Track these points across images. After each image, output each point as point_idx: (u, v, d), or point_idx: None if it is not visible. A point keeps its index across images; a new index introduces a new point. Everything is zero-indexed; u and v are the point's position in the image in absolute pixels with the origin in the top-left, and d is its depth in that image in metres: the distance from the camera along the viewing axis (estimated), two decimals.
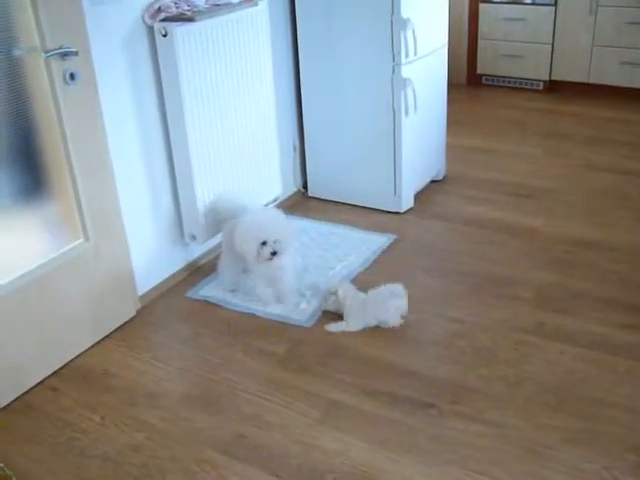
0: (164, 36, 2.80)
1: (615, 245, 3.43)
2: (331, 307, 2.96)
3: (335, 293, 2.91)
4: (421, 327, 2.90)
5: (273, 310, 3.04)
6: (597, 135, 4.85)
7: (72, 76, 2.53)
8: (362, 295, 2.93)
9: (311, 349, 2.79)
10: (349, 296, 2.90)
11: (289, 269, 3.04)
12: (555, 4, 5.45)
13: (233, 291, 3.17)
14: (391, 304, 2.86)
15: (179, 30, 2.79)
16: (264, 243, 2.85)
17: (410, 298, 3.06)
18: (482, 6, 5.77)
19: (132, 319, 3.05)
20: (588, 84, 5.56)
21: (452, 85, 5.79)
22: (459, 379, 2.59)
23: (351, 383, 2.59)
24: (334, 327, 2.89)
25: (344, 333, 2.87)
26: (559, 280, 3.17)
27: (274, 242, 2.86)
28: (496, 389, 2.54)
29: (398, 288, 2.91)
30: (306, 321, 2.96)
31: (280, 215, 2.96)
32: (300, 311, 3.02)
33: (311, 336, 2.87)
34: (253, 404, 2.53)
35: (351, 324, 2.87)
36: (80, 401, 2.59)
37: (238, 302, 3.12)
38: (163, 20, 2.83)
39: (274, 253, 2.87)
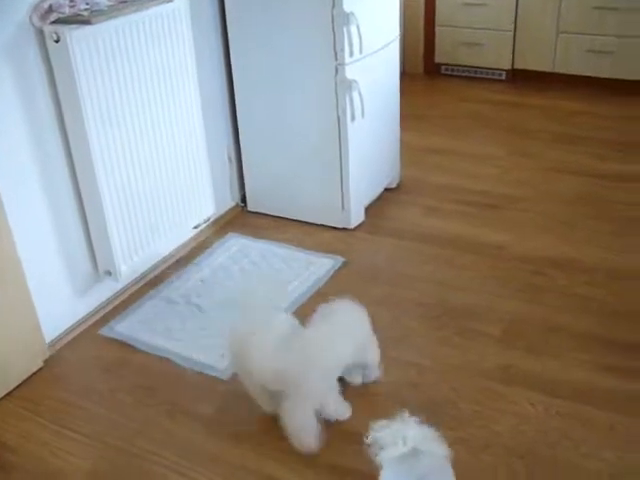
0: (56, 42, 2.35)
1: (591, 264, 3.05)
2: None
3: None
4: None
5: (186, 354, 2.64)
6: (565, 131, 4.46)
7: None
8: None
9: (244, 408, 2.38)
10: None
11: None
12: None
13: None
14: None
15: (74, 34, 2.35)
16: None
17: None
18: None
19: (38, 372, 2.62)
20: (553, 73, 5.18)
21: (408, 75, 5.46)
22: None
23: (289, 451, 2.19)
24: None
25: None
26: (530, 311, 2.79)
27: None
28: (458, 456, 2.13)
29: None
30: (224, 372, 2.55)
31: None
32: (219, 359, 2.60)
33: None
34: None
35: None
36: None
37: (154, 342, 2.73)
38: (55, 22, 2.37)
39: None
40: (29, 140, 2.48)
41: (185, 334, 2.75)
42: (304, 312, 2.75)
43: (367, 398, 2.41)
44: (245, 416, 2.35)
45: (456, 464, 2.09)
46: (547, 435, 2.22)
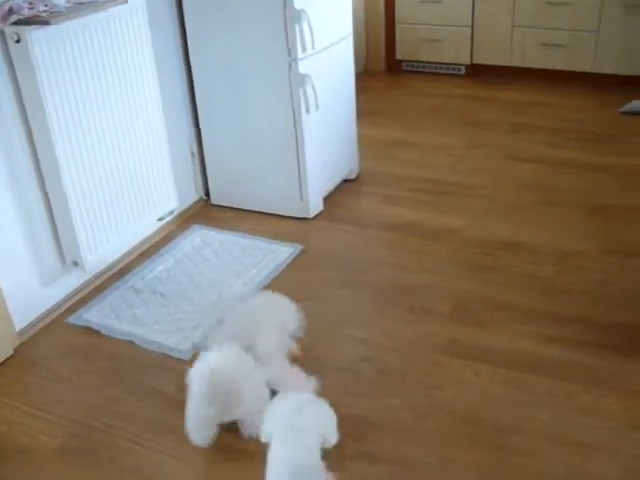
0: (17, 42, 2.47)
1: (540, 247, 3.20)
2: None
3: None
4: (325, 351, 2.63)
5: (150, 337, 2.76)
6: (521, 122, 4.62)
7: None
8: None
9: None
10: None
11: None
12: None
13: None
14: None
15: (34, 34, 2.47)
16: None
17: (313, 316, 2.81)
18: None
19: (8, 359, 2.72)
20: (510, 67, 5.34)
21: (370, 73, 5.61)
22: (365, 413, 2.35)
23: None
24: None
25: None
26: (478, 289, 2.93)
27: None
28: (405, 422, 2.30)
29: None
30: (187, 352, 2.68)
31: None
32: (182, 341, 2.73)
33: None
34: (134, 454, 2.24)
35: None
36: None
37: (120, 327, 2.84)
38: (15, 23, 2.49)
39: None
40: None
41: (150, 319, 2.87)
42: None
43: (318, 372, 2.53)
44: None
45: (404, 431, 2.26)
46: (489, 400, 2.36)
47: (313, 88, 3.25)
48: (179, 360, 2.64)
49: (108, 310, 2.95)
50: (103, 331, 2.83)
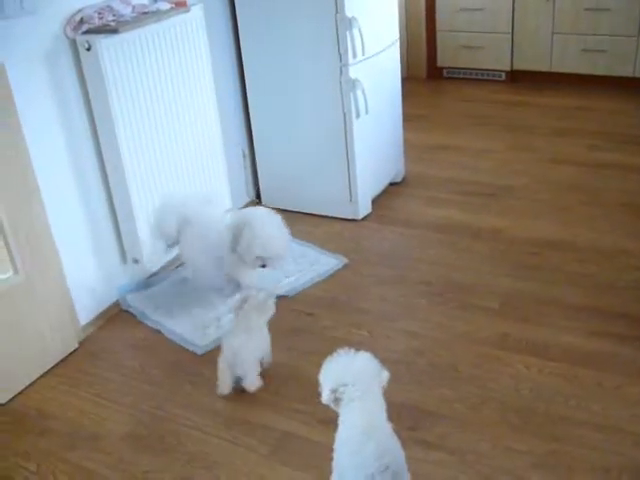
0: (88, 50, 2.61)
1: (583, 245, 3.28)
2: None
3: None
4: (378, 344, 2.72)
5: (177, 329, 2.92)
6: (562, 126, 4.69)
7: None
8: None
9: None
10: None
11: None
12: None
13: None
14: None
15: (104, 42, 2.61)
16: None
17: (368, 312, 2.94)
18: None
19: (74, 352, 2.86)
20: (550, 73, 5.41)
21: (412, 79, 5.70)
22: (418, 402, 2.44)
23: (304, 411, 2.43)
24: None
25: (291, 356, 2.69)
26: (525, 286, 3.01)
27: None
28: (458, 411, 2.39)
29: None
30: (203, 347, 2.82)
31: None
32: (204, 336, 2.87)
33: None
34: (200, 442, 2.35)
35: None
36: (14, 448, 2.41)
37: (154, 316, 3.00)
38: (86, 32, 2.63)
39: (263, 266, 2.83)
40: (64, 138, 2.74)
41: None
42: (312, 294, 3.05)
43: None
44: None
45: (457, 419, 2.34)
46: (540, 392, 2.43)
47: (363, 93, 3.36)
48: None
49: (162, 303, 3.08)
50: (159, 328, 2.95)
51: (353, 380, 1.91)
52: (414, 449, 2.21)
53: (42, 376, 2.73)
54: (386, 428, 1.92)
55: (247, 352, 2.47)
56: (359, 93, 3.36)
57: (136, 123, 2.82)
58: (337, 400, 1.91)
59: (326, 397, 1.93)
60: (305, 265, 3.27)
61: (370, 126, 3.55)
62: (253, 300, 2.51)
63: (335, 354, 1.97)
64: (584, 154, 4.23)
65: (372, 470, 1.78)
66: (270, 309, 2.54)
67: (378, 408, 1.95)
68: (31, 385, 2.69)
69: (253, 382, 2.52)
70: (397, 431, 1.97)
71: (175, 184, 3.07)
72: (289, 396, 2.51)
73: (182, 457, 2.30)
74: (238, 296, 2.64)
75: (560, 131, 4.60)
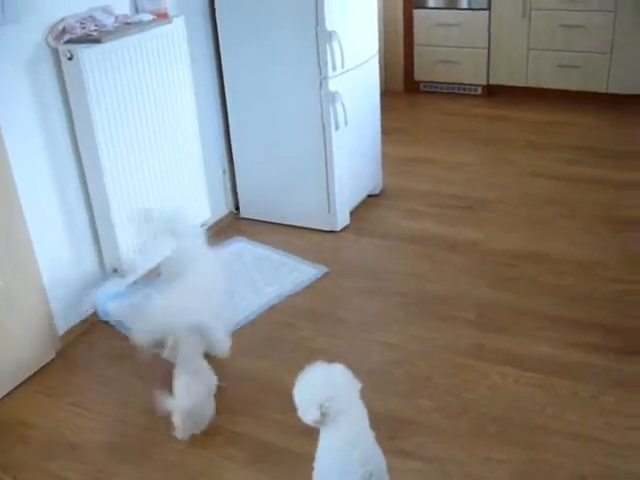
0: (69, 59, 2.61)
1: (559, 257, 3.32)
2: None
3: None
4: (356, 355, 2.74)
5: None
6: (538, 140, 4.76)
7: None
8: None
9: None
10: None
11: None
12: (489, 8, 5.36)
13: None
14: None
15: (85, 52, 2.61)
16: None
17: (345, 323, 2.96)
18: (416, 12, 5.66)
19: (52, 362, 2.85)
20: (527, 88, 5.48)
21: (389, 93, 5.75)
22: (397, 412, 2.46)
23: (283, 422, 2.43)
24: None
25: (270, 365, 2.70)
26: (501, 297, 3.05)
27: None
28: (436, 421, 2.41)
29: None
30: None
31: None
32: None
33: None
34: (180, 451, 2.35)
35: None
36: None
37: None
38: (68, 42, 2.64)
39: None
40: (44, 146, 2.74)
41: None
42: (290, 304, 3.08)
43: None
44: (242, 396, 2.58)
45: (435, 429, 2.36)
46: (516, 402, 2.46)
47: (342, 105, 3.39)
48: None
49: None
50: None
51: (338, 393, 1.89)
52: (393, 459, 2.20)
53: (20, 385, 2.72)
54: (369, 436, 1.93)
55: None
56: (338, 106, 3.39)
57: (117, 132, 2.82)
58: (324, 415, 1.87)
59: (312, 415, 1.87)
60: (285, 274, 3.29)
61: (349, 138, 3.58)
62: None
63: (307, 370, 1.94)
64: (561, 168, 4.30)
65: (358, 476, 1.79)
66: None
67: (361, 416, 1.96)
68: (9, 394, 2.68)
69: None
70: (377, 440, 2.00)
71: (154, 194, 3.07)
72: (268, 406, 2.52)
73: (162, 466, 2.30)
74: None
75: (536, 145, 4.67)
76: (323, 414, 1.87)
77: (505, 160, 4.47)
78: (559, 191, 4.00)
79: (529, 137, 4.82)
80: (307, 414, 1.88)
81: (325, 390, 1.89)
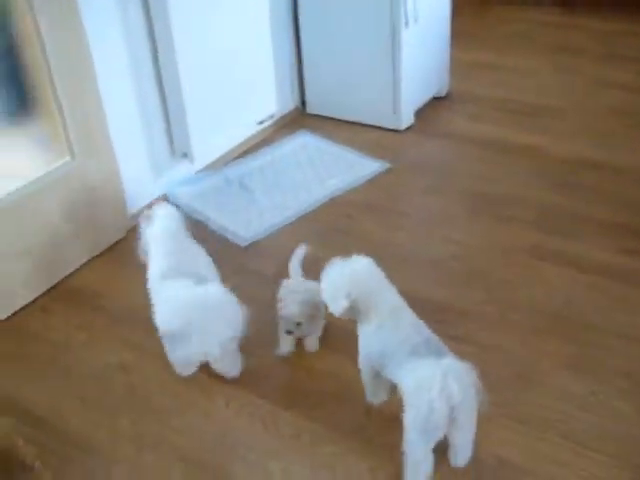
0: None
1: (622, 166, 3.30)
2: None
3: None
4: (416, 247, 2.83)
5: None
6: (610, 51, 4.62)
7: None
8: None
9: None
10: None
11: None
12: None
13: None
14: None
15: None
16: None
17: (407, 217, 3.02)
18: None
19: (123, 239, 2.98)
20: None
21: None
22: (449, 300, 2.54)
23: None
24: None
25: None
26: (562, 202, 3.07)
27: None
28: (488, 313, 2.49)
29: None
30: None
31: None
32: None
33: None
34: None
35: None
36: (69, 321, 2.56)
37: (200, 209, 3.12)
38: None
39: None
40: (121, 31, 2.81)
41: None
42: (352, 199, 3.14)
43: (412, 265, 2.73)
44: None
45: (486, 320, 2.44)
46: (570, 301, 2.52)
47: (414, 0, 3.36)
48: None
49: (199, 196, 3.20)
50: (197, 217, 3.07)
51: (363, 282, 1.94)
52: (444, 341, 2.31)
53: (93, 259, 2.88)
54: (410, 311, 2.00)
55: None
56: (409, 1, 3.35)
57: (191, 23, 2.88)
58: (353, 308, 1.92)
59: (340, 305, 1.91)
60: (346, 168, 3.36)
61: (418, 37, 3.55)
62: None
63: (331, 264, 1.99)
64: (631, 79, 4.20)
65: (417, 340, 1.88)
66: None
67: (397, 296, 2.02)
68: (83, 267, 2.84)
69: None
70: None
71: (224, 80, 3.13)
72: None
73: None
74: None
75: (606, 56, 4.55)
76: (352, 307, 1.93)
77: (574, 69, 4.39)
78: (626, 102, 3.93)
79: (601, 48, 4.69)
80: (336, 305, 1.94)
81: (351, 282, 1.92)
